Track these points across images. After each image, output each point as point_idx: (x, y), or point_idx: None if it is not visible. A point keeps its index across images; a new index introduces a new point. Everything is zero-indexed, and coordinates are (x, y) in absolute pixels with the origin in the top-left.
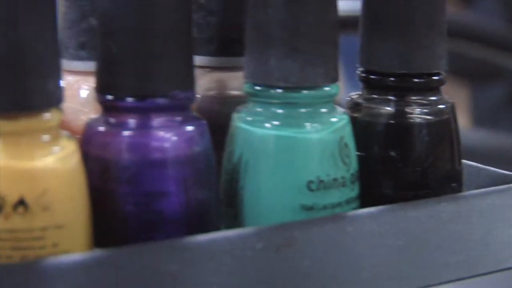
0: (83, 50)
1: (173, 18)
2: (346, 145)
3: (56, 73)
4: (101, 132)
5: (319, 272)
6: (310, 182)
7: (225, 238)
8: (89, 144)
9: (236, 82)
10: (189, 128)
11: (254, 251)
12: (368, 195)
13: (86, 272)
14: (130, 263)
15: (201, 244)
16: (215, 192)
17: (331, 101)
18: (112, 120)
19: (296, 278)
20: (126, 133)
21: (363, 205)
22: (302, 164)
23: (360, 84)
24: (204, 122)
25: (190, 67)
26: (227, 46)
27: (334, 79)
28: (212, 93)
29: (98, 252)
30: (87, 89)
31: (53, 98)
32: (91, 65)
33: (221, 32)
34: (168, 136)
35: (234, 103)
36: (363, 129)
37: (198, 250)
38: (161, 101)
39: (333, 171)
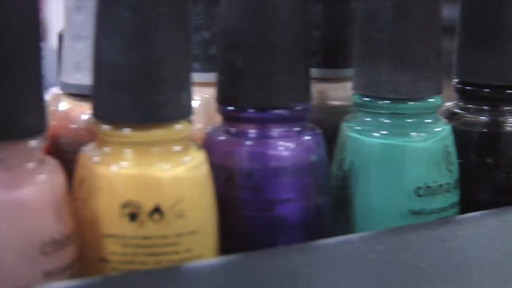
0: (195, 62)
1: (293, 33)
2: (449, 153)
3: (188, 86)
4: (223, 141)
5: (435, 273)
6: (419, 188)
7: (349, 241)
8: (210, 153)
9: (337, 93)
10: (307, 137)
11: (375, 253)
12: (465, 200)
13: (224, 276)
14: (265, 266)
15: (329, 247)
16: (329, 198)
17: (435, 111)
18: (233, 129)
19: (415, 279)
20: (248, 142)
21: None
22: (411, 171)
23: (456, 94)
24: (320, 131)
25: (308, 79)
26: (330, 59)
27: (438, 91)
28: (314, 103)
29: (234, 256)
30: (199, 100)
31: (185, 110)
32: (203, 77)
33: (325, 45)
34: (288, 146)
35: (335, 112)
36: (459, 137)
37: (327, 253)
38: (281, 112)
39: (438, 177)
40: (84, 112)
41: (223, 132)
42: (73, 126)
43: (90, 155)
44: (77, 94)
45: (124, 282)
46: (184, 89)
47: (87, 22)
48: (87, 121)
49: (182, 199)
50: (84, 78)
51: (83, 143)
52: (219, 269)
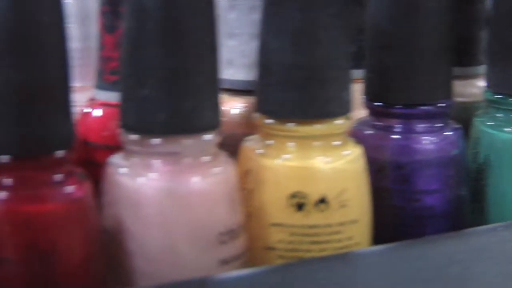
0: None
1: (439, 33)
2: None
3: (349, 84)
4: (371, 135)
5: None
6: None
7: (494, 230)
8: None
9: (464, 89)
10: (450, 132)
11: None
12: None
13: (388, 261)
14: (424, 252)
15: (478, 235)
16: (467, 189)
17: None
18: (379, 124)
19: None
20: (396, 136)
21: None
22: None
23: None
24: (460, 127)
25: (450, 77)
26: (458, 57)
27: None
28: None
29: (396, 244)
30: None
31: (346, 107)
32: None
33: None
34: (434, 140)
35: (462, 108)
36: None
37: (477, 241)
38: (427, 108)
39: None
40: (235, 106)
41: (369, 126)
42: (225, 119)
43: (254, 147)
44: (229, 89)
45: (304, 268)
46: (346, 86)
47: (240, 20)
48: (239, 114)
49: (345, 190)
50: (236, 73)
51: (236, 136)
52: (384, 255)
